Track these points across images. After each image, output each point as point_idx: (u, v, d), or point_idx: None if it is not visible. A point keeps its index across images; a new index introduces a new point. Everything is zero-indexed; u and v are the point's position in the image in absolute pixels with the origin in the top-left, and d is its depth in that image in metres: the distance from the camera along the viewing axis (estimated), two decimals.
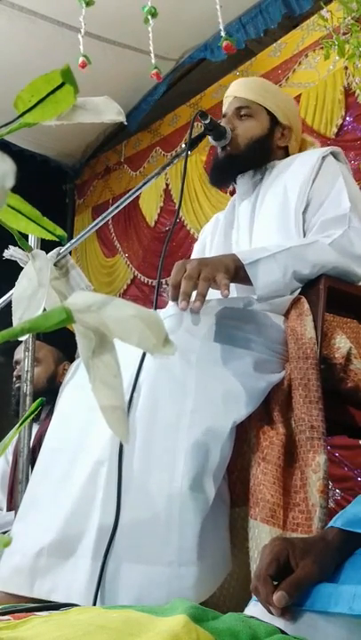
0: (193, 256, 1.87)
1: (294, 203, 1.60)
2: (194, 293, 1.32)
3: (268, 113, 1.77)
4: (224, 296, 1.31)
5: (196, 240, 1.99)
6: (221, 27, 2.45)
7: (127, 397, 1.22)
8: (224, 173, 1.80)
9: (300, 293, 1.45)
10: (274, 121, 1.77)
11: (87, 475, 1.22)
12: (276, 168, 1.74)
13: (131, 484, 1.17)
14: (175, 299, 1.31)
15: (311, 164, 1.63)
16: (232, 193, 3.54)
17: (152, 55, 2.61)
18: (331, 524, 0.91)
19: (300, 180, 1.61)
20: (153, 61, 2.61)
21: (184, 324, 1.29)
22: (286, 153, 1.81)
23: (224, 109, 1.82)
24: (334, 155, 1.68)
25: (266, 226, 1.66)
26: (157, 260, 4.26)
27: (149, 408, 1.22)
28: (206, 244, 1.87)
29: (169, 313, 1.32)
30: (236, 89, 1.82)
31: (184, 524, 1.14)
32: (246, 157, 1.74)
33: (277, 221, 1.62)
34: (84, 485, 1.22)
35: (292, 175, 1.66)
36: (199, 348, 1.28)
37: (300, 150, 1.85)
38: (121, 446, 1.18)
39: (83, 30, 2.61)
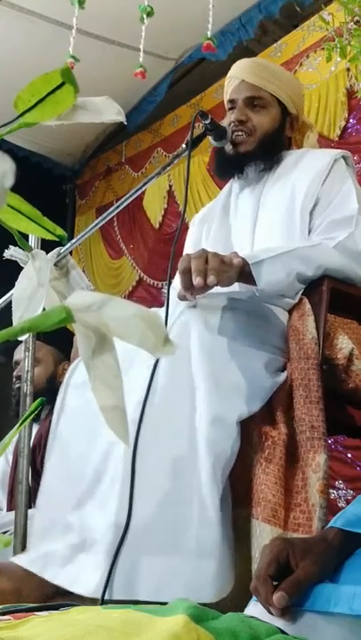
0: (185, 252, 1.79)
1: (302, 200, 1.59)
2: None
3: (280, 103, 1.71)
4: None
5: None
6: (209, 26, 2.46)
7: (143, 394, 1.22)
8: (233, 168, 1.73)
9: (302, 294, 1.45)
10: (285, 112, 1.72)
11: (101, 469, 1.23)
12: (284, 161, 1.71)
13: (145, 477, 1.17)
14: (186, 286, 1.30)
15: (323, 165, 1.62)
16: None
17: (141, 53, 2.61)
18: (331, 524, 0.91)
19: (310, 179, 1.61)
20: (141, 59, 2.61)
21: (200, 318, 1.29)
22: (289, 140, 1.78)
23: (232, 94, 1.72)
24: (345, 159, 1.68)
25: (270, 219, 1.65)
26: (163, 262, 4.25)
27: (165, 402, 1.23)
28: (202, 238, 1.80)
29: (180, 308, 1.32)
30: (245, 73, 1.71)
31: (203, 513, 1.15)
32: (259, 152, 1.69)
33: (283, 217, 1.61)
34: (99, 480, 1.23)
35: (301, 172, 1.65)
36: (212, 342, 1.28)
37: (300, 133, 1.81)
38: (136, 440, 1.19)
39: (74, 30, 2.61)
